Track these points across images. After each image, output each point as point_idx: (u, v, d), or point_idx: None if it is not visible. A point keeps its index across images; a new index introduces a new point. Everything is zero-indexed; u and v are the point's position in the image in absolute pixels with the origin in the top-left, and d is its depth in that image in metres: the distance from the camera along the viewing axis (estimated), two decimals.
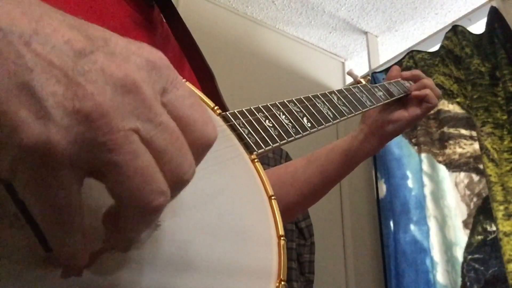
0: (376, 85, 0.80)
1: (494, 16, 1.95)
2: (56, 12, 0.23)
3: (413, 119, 0.80)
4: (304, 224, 1.91)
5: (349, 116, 0.66)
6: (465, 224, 1.84)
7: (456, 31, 2.07)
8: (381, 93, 0.79)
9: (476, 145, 1.87)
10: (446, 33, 2.12)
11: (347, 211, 2.39)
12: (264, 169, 0.44)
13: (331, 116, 0.61)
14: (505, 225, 1.64)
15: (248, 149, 0.45)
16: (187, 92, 0.26)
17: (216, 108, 0.45)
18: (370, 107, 0.73)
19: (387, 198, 2.16)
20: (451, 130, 1.99)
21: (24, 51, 0.21)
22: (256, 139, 0.46)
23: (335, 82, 2.71)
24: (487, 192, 1.74)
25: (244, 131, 0.46)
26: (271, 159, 1.92)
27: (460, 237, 1.83)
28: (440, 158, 2.00)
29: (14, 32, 0.21)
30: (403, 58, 2.26)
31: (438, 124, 2.05)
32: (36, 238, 0.25)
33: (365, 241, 2.32)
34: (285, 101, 0.56)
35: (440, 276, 1.81)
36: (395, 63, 2.19)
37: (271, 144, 0.48)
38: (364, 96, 0.74)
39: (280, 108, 0.54)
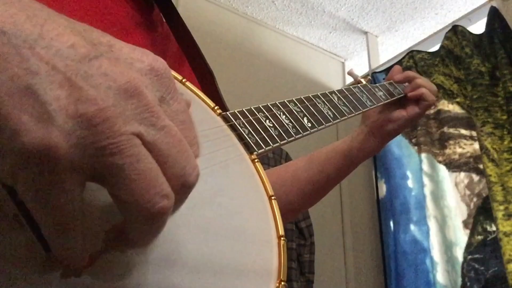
0: (377, 85, 0.81)
1: (494, 16, 1.95)
2: (61, 17, 0.23)
3: (412, 117, 0.80)
4: (304, 224, 1.92)
5: (349, 116, 0.66)
6: (465, 224, 1.84)
7: (456, 31, 2.07)
8: (381, 93, 0.79)
9: (476, 145, 1.87)
10: (446, 33, 2.12)
11: (347, 211, 2.39)
12: (264, 169, 0.44)
13: (332, 116, 0.61)
14: (505, 225, 1.64)
15: (249, 149, 0.45)
16: (182, 107, 0.26)
17: (216, 108, 0.45)
18: (371, 107, 0.73)
19: (387, 198, 2.16)
20: (451, 130, 1.99)
21: (28, 55, 0.21)
22: (257, 139, 0.46)
23: (335, 82, 2.71)
24: (487, 192, 1.74)
25: (244, 131, 0.46)
26: (271, 159, 1.92)
27: (460, 237, 1.83)
28: (440, 158, 2.00)
29: (19, 36, 0.21)
30: (403, 58, 2.26)
31: (438, 124, 2.05)
32: (36, 239, 0.25)
33: (365, 241, 2.32)
34: (285, 101, 0.56)
35: (440, 276, 1.81)
36: (395, 63, 2.18)
37: (272, 144, 0.48)
38: (365, 96, 0.74)
39: (281, 108, 0.54)
